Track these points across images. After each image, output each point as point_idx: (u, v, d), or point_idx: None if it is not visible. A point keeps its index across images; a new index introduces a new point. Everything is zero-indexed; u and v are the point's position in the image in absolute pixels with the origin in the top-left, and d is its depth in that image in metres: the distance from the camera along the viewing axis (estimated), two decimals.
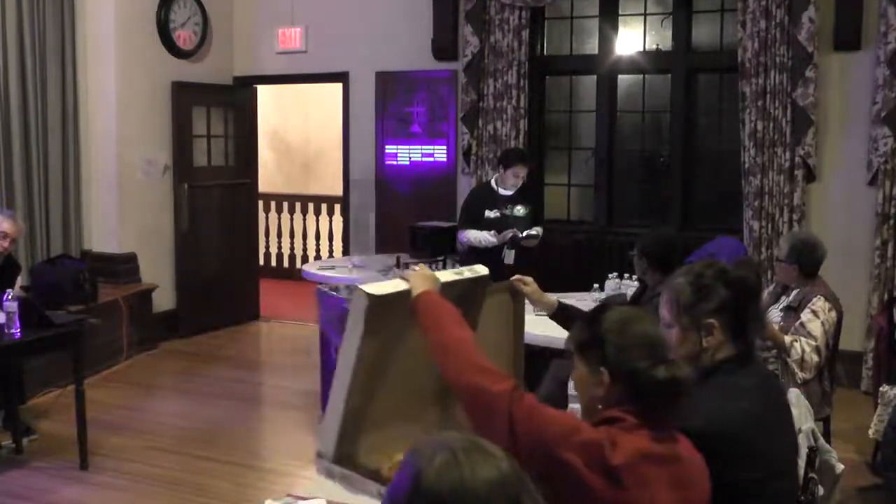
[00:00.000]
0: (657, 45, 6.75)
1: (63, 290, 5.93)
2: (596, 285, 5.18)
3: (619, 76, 6.91)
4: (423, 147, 7.30)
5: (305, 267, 6.67)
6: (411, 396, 2.47)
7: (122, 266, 6.94)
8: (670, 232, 4.51)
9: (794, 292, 4.12)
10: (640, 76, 6.88)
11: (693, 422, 1.92)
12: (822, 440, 2.58)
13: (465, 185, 6.96)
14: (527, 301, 2.83)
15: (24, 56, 6.43)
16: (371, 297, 2.19)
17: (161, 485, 4.43)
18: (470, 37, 6.82)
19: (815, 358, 3.85)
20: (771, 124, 5.98)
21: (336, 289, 5.85)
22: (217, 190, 7.69)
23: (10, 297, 4.29)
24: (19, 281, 5.16)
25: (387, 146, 7.43)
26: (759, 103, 5.99)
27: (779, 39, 5.90)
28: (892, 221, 5.79)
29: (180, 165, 7.34)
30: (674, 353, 2.01)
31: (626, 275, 5.19)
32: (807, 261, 4.06)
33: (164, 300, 7.28)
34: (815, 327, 3.88)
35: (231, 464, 4.72)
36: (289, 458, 4.85)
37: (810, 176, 6.01)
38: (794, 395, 2.68)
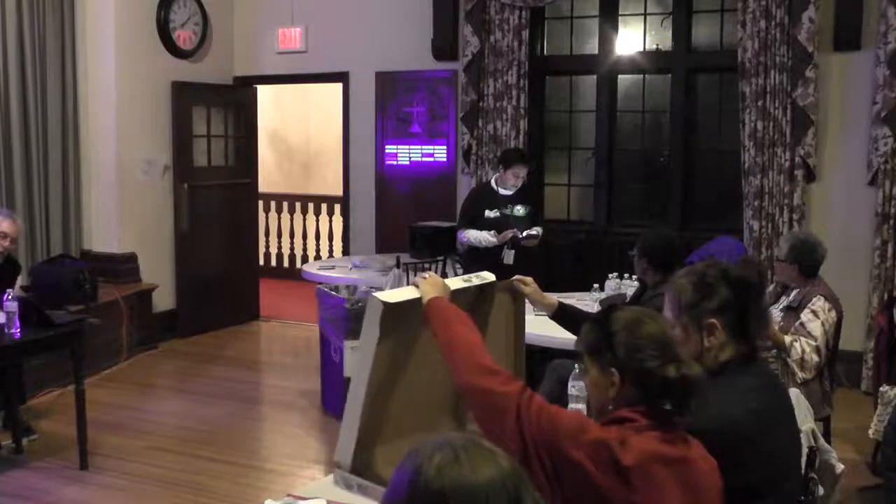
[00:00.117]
0: (657, 45, 6.74)
1: (63, 290, 5.92)
2: (596, 285, 5.17)
3: (619, 76, 6.91)
4: (423, 147, 7.29)
5: (305, 267, 6.68)
6: (428, 405, 2.48)
7: (122, 266, 6.94)
8: (670, 232, 4.51)
9: (794, 292, 4.12)
10: (640, 76, 6.88)
11: (702, 423, 1.91)
12: (822, 440, 2.58)
13: (464, 185, 6.96)
14: (527, 301, 2.83)
15: (24, 56, 6.43)
16: (386, 304, 2.22)
17: (161, 485, 4.43)
18: (470, 37, 6.82)
19: (815, 358, 3.85)
20: (771, 124, 5.98)
21: (336, 289, 5.86)
22: (217, 190, 7.68)
23: (10, 297, 4.29)
24: (19, 281, 5.15)
25: (387, 146, 7.43)
26: (759, 103, 5.99)
27: (779, 39, 5.90)
28: (891, 221, 5.79)
29: (180, 165, 7.33)
30: None
31: (626, 275, 5.19)
32: (807, 261, 4.06)
33: (163, 300, 7.28)
34: (815, 327, 3.89)
35: (231, 464, 4.72)
36: (289, 458, 4.85)
37: (810, 176, 6.01)
38: (794, 395, 2.68)
